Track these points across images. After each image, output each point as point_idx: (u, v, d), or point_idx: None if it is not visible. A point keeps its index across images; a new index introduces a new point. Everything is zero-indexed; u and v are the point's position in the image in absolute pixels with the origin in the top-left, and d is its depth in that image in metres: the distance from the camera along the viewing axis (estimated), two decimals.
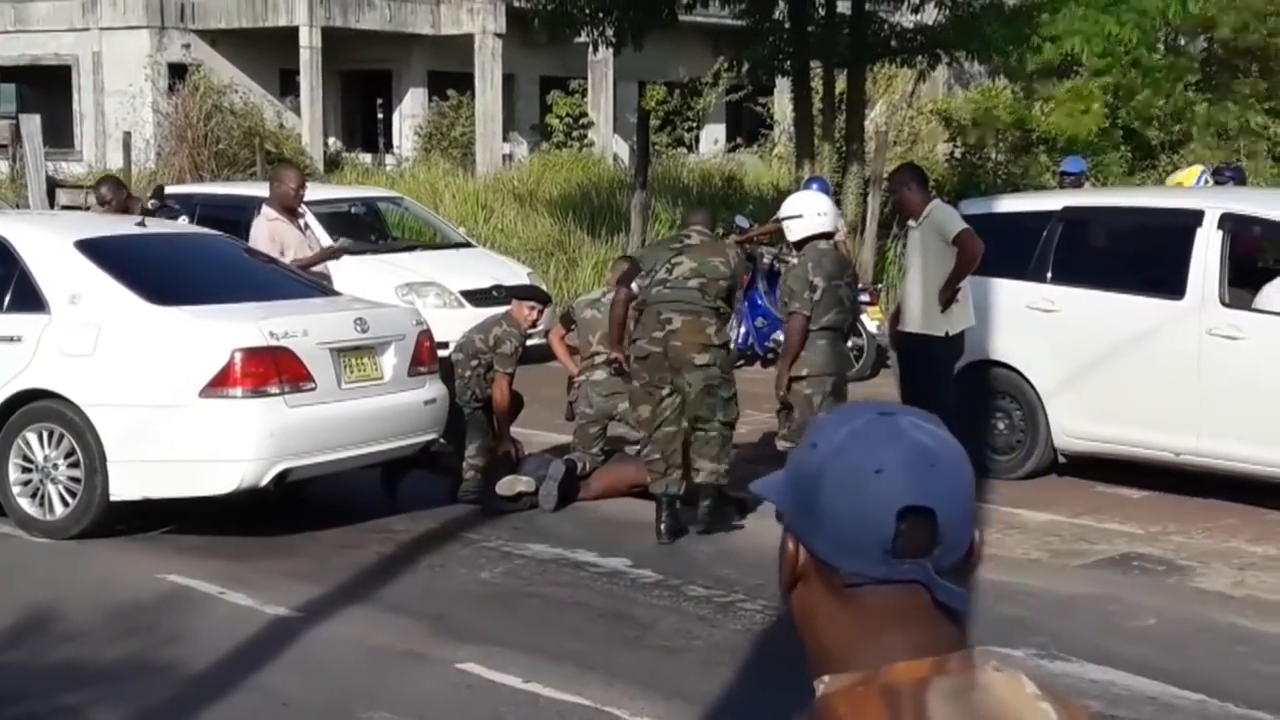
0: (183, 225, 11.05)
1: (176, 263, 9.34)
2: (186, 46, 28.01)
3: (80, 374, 8.30)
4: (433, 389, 9.05)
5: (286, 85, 28.81)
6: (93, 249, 8.73)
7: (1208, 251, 9.19)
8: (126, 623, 6.91)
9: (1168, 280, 9.37)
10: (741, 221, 15.14)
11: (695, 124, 32.41)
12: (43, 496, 8.43)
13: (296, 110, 28.05)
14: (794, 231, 8.74)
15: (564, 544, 8.42)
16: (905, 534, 1.52)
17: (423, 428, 8.95)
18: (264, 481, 8.10)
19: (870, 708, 1.51)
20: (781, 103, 28.61)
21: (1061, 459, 9.92)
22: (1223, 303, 9.15)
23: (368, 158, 29.53)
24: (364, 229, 16.10)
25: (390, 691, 6.10)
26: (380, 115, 31.24)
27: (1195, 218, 9.35)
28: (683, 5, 18.55)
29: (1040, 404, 9.77)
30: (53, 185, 20.01)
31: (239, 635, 6.77)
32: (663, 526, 8.44)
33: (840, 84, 18.84)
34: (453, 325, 11.44)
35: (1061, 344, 9.66)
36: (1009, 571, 7.95)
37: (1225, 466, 9.14)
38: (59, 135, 26.32)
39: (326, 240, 11.84)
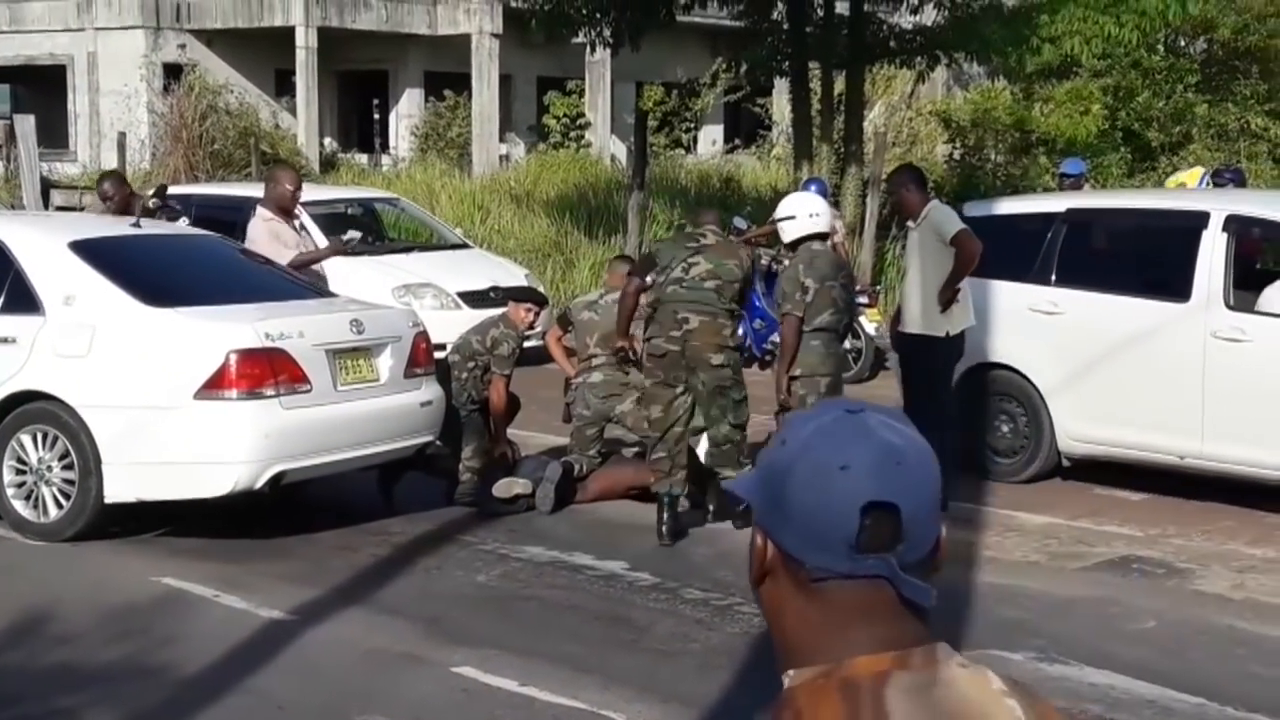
0: (181, 226, 11.00)
1: (171, 264, 9.31)
2: (182, 46, 28.00)
3: (75, 376, 8.27)
4: (429, 390, 9.02)
5: (282, 85, 28.80)
6: (87, 250, 8.70)
7: (1213, 254, 9.15)
8: (121, 625, 6.89)
9: (1172, 282, 9.33)
10: (739, 223, 15.11)
11: (693, 125, 32.39)
12: (37, 499, 8.40)
13: (292, 110, 28.04)
14: (787, 233, 8.75)
15: (561, 546, 8.39)
16: (870, 529, 1.55)
17: (419, 429, 8.92)
18: (259, 484, 8.07)
19: (828, 701, 1.53)
20: (780, 104, 28.59)
21: (1066, 462, 9.89)
22: (1227, 305, 9.11)
23: (364, 158, 29.52)
24: (360, 230, 16.04)
25: (386, 694, 6.08)
26: (376, 116, 31.22)
27: (1200, 220, 9.32)
28: (680, 6, 18.51)
29: (1044, 407, 9.74)
30: (47, 186, 20.01)
31: (234, 638, 6.74)
32: (664, 527, 8.43)
33: (839, 85, 18.82)
34: (449, 327, 11.41)
35: (1065, 346, 9.63)
36: (1008, 574, 7.94)
37: (1230, 470, 9.10)
38: (53, 136, 26.29)
39: (323, 241, 11.78)
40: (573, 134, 29.81)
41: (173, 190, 15.59)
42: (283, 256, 9.71)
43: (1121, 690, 6.23)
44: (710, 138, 33.03)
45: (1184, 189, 13.96)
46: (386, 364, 8.77)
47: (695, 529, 8.69)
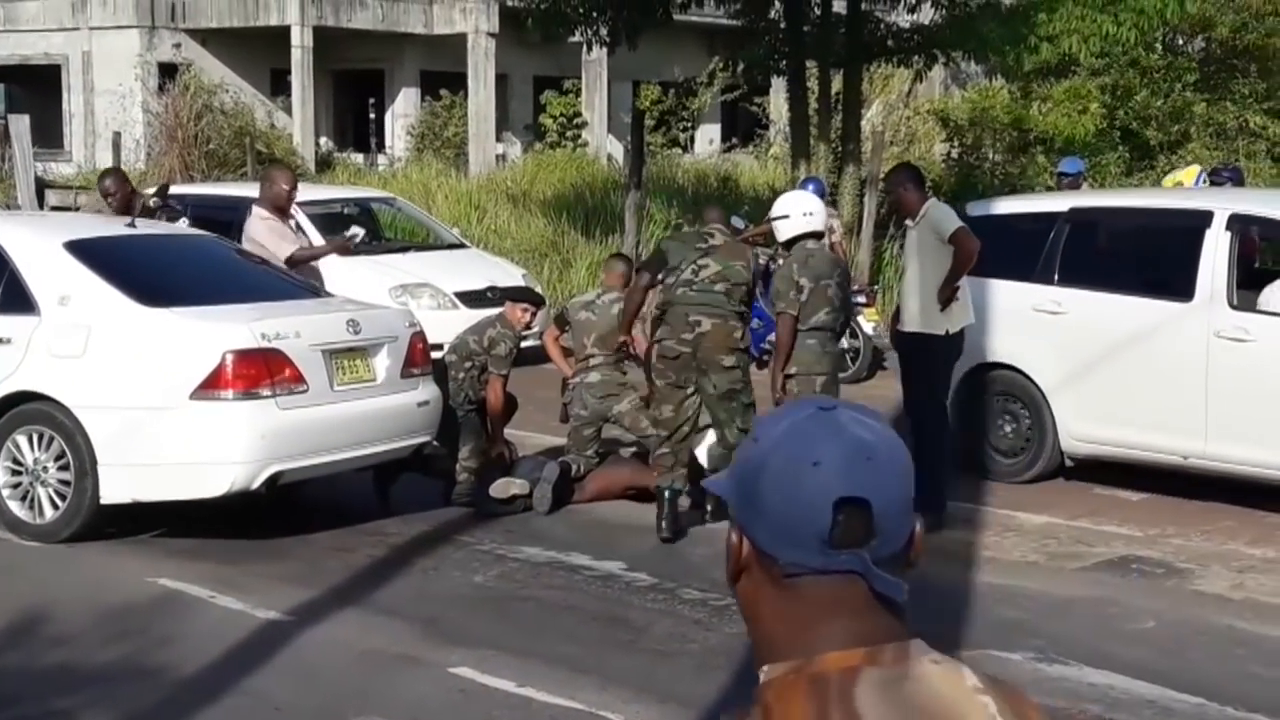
0: (180, 226, 10.96)
1: (167, 264, 9.28)
2: (177, 46, 27.97)
3: (70, 376, 8.24)
4: (426, 391, 9.00)
5: (278, 85, 28.77)
6: (82, 250, 8.68)
7: (1216, 253, 9.13)
8: (117, 626, 6.87)
9: (1175, 282, 9.30)
10: (737, 222, 15.06)
11: (690, 124, 32.38)
12: (33, 499, 8.37)
13: (288, 110, 28.00)
14: (782, 232, 8.74)
15: (558, 547, 8.37)
16: (842, 525, 1.56)
17: (416, 430, 8.90)
18: (255, 484, 8.05)
19: (796, 697, 1.54)
20: (777, 103, 28.57)
21: (1069, 462, 9.86)
22: (1231, 305, 9.08)
23: (360, 158, 29.49)
24: (360, 227, 15.99)
25: (382, 696, 6.06)
26: (372, 115, 31.20)
27: (1204, 219, 9.29)
28: (677, 5, 18.49)
29: (1047, 407, 9.71)
30: (42, 186, 19.99)
31: (230, 639, 6.72)
32: (664, 522, 8.45)
33: (836, 84, 18.79)
34: (446, 327, 11.38)
35: (1068, 346, 9.61)
36: (1007, 574, 7.93)
37: (1233, 470, 9.07)
38: (48, 135, 26.28)
39: (319, 240, 11.75)
40: (569, 133, 29.78)
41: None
42: (284, 250, 9.70)
43: (1121, 690, 6.21)
44: (707, 137, 33.02)
45: (1182, 188, 13.93)
46: (383, 364, 8.74)
47: (693, 529, 8.67)
